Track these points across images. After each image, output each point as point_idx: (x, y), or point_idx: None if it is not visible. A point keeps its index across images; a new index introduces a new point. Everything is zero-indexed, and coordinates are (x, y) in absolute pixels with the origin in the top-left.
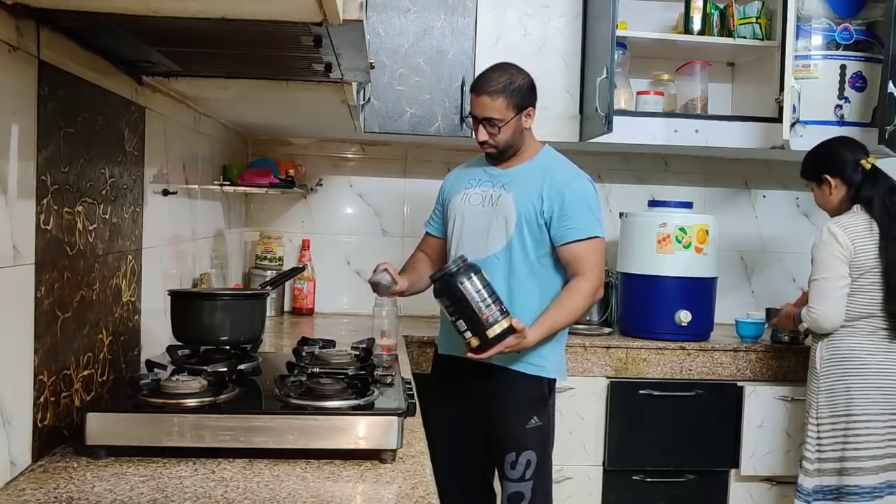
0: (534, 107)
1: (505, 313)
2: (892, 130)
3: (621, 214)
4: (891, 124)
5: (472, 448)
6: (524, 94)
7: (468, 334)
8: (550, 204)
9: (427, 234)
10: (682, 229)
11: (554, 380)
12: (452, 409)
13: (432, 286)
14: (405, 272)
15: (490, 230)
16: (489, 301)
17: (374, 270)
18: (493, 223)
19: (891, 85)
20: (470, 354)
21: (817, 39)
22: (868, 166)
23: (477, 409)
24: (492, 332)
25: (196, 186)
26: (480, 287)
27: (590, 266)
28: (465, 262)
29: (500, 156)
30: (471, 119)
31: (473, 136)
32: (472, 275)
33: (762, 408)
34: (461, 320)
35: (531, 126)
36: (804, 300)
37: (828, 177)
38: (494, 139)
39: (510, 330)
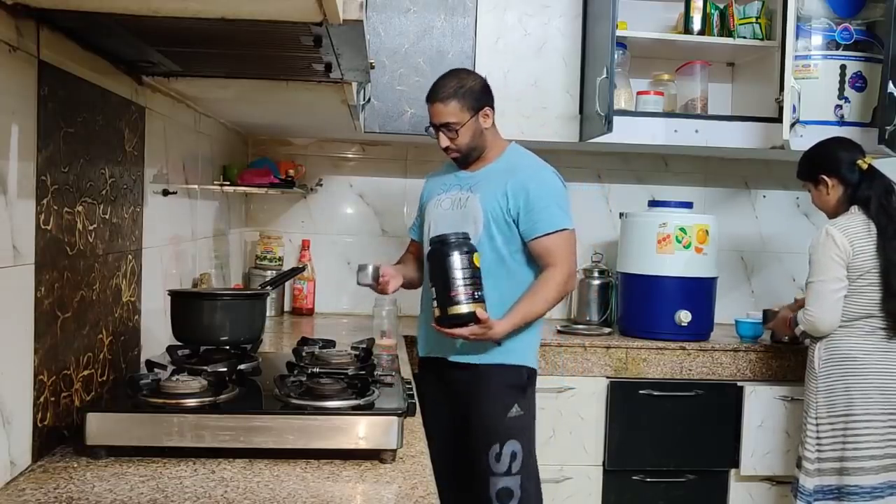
0: (490, 107)
1: (476, 300)
2: (892, 130)
3: (621, 214)
4: (891, 124)
5: (461, 448)
6: (477, 95)
7: (434, 303)
8: (516, 201)
9: (412, 239)
10: (682, 229)
11: (534, 370)
12: (437, 410)
13: (427, 249)
14: (399, 271)
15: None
16: (466, 283)
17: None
18: (461, 226)
19: (891, 85)
20: (433, 325)
21: (817, 39)
22: (864, 166)
23: (459, 406)
24: (452, 311)
25: (196, 186)
26: (465, 266)
27: (560, 257)
28: (466, 238)
29: (465, 159)
30: (433, 129)
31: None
32: (465, 253)
33: (762, 408)
34: (434, 288)
35: (492, 125)
36: (798, 305)
37: (824, 177)
38: (455, 143)
39: (471, 316)
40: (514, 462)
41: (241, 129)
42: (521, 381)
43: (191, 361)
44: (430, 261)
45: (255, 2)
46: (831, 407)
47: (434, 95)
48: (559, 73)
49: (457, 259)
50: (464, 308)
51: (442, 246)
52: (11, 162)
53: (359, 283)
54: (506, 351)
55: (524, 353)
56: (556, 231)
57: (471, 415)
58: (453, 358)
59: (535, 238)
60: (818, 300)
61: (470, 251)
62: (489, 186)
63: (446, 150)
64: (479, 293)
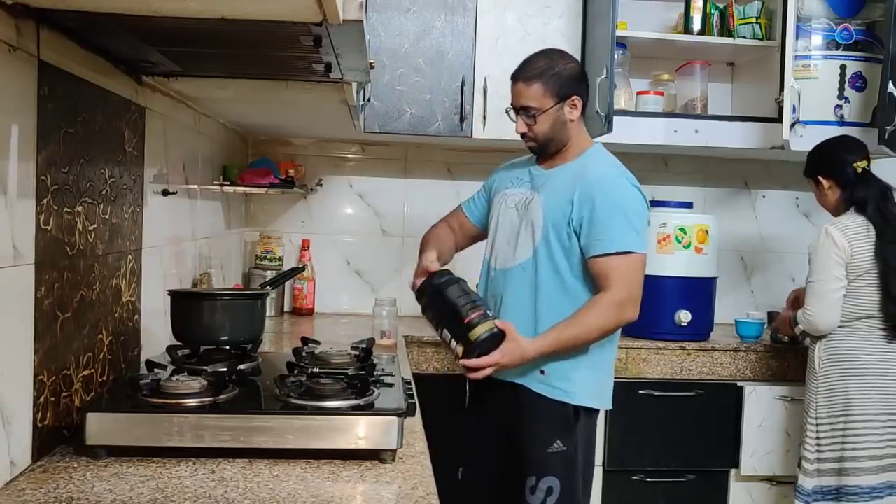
0: (581, 97)
1: (491, 317)
2: (892, 130)
3: None
4: (891, 124)
5: (501, 470)
6: (565, 81)
7: (454, 343)
8: (580, 210)
9: (462, 213)
10: (682, 229)
11: (589, 409)
12: (481, 429)
13: (420, 301)
14: (432, 247)
15: (518, 237)
16: (474, 304)
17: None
18: (521, 230)
19: (891, 85)
20: (463, 362)
21: (817, 39)
22: (859, 169)
23: (502, 428)
24: (474, 335)
25: (196, 186)
26: (465, 291)
27: (617, 282)
28: (448, 272)
29: (541, 151)
30: (512, 111)
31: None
32: (456, 282)
33: (762, 408)
34: (445, 329)
35: (579, 119)
36: (796, 303)
37: (821, 178)
38: (533, 131)
39: (498, 335)
40: (549, 497)
41: (241, 129)
42: (566, 418)
43: (191, 361)
44: (430, 306)
45: (254, 2)
46: (831, 407)
47: (518, 74)
48: None
49: (454, 289)
50: (483, 326)
51: (433, 286)
52: (11, 162)
53: None
54: (550, 384)
55: (575, 391)
56: (619, 253)
57: (512, 439)
58: (498, 376)
59: (593, 257)
60: (817, 300)
61: (458, 279)
62: (556, 189)
63: (522, 136)
64: (490, 311)
